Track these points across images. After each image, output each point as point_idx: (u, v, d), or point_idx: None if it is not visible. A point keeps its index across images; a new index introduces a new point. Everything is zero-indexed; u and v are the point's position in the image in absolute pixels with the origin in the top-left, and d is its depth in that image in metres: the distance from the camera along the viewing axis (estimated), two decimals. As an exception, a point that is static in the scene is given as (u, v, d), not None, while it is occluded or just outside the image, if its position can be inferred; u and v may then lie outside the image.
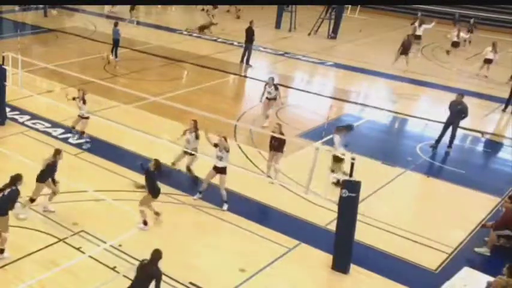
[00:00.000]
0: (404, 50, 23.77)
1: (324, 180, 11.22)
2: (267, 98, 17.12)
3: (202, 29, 29.39)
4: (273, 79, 17.23)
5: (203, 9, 35.73)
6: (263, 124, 16.88)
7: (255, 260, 10.59)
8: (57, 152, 11.62)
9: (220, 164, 12.11)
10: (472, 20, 29.57)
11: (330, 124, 16.19)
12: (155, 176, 11.25)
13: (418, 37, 26.41)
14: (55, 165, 11.59)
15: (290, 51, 26.55)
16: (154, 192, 11.25)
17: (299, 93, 20.74)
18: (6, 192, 10.09)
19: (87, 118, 14.94)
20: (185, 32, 29.46)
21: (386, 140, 17.08)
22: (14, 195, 10.15)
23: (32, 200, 11.60)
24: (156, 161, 11.34)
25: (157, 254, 8.62)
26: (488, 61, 23.11)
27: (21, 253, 10.37)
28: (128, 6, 32.91)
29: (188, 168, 13.38)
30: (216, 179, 12.31)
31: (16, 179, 10.21)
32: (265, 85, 17.19)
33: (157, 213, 11.56)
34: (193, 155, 13.08)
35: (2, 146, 14.61)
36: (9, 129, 15.93)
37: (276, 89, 17.07)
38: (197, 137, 13.07)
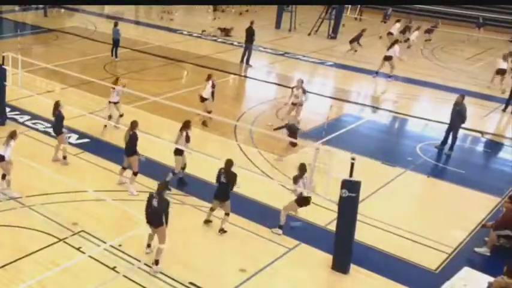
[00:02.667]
0: (353, 39, 26.19)
1: (324, 180, 11.21)
2: (292, 103, 16.73)
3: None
4: (302, 81, 16.81)
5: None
6: (268, 123, 16.67)
7: (255, 260, 10.59)
8: (135, 124, 12.75)
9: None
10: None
11: (330, 124, 16.25)
12: None
13: None
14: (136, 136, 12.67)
15: (290, 51, 26.56)
16: None
17: (299, 93, 20.72)
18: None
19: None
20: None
21: (387, 140, 17.08)
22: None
23: (135, 174, 12.77)
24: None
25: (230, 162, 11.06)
26: (501, 71, 21.69)
27: (21, 253, 10.36)
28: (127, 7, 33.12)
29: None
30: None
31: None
32: (293, 87, 16.82)
33: None
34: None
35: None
36: (9, 129, 15.70)
37: (304, 92, 16.61)
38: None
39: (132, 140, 12.65)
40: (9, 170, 12.18)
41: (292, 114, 16.41)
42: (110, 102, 15.85)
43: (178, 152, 12.82)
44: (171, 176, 13.03)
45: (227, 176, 11.10)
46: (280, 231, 11.40)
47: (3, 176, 12.28)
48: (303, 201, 11.30)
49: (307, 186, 11.12)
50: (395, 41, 23.29)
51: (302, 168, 11.18)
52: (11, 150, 12.12)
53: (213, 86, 16.72)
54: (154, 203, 9.96)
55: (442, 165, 15.43)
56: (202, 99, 16.59)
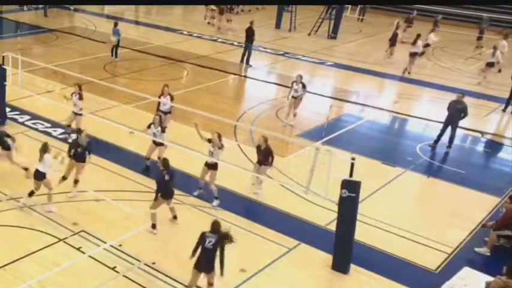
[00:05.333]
0: (393, 41, 25.29)
1: (324, 180, 11.21)
2: (293, 96, 17.04)
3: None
4: (301, 76, 17.09)
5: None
6: (289, 122, 17.09)
7: (255, 260, 10.60)
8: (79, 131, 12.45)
9: (210, 160, 12.19)
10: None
11: (330, 124, 16.25)
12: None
13: None
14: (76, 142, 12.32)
15: (290, 51, 26.56)
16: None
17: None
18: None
19: (80, 115, 14.91)
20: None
21: (386, 140, 17.07)
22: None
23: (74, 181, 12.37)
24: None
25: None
26: (490, 65, 22.76)
27: (21, 253, 10.36)
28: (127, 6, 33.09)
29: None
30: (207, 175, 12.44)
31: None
32: (293, 82, 17.07)
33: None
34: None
35: (2, 146, 14.59)
36: (9, 129, 15.85)
37: (304, 87, 16.99)
38: (163, 131, 13.26)
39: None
40: (50, 185, 11.72)
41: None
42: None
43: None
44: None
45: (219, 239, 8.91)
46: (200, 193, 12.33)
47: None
48: (211, 166, 12.12)
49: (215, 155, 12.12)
50: (418, 36, 23.66)
51: (219, 136, 12.14)
52: (50, 167, 11.50)
53: (172, 99, 15.26)
54: (166, 177, 10.89)
55: (442, 165, 15.44)
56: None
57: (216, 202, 12.32)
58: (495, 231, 11.27)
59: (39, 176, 11.46)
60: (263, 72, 23.59)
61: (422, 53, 25.52)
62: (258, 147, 12.85)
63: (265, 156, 12.70)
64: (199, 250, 8.96)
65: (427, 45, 25.83)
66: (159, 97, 15.13)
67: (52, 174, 11.73)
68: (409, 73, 23.52)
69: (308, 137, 15.83)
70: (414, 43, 23.50)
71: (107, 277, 9.89)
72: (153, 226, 11.29)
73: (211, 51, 25.92)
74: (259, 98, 19.83)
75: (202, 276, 9.10)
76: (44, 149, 11.49)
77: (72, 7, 33.95)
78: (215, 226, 8.91)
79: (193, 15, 34.91)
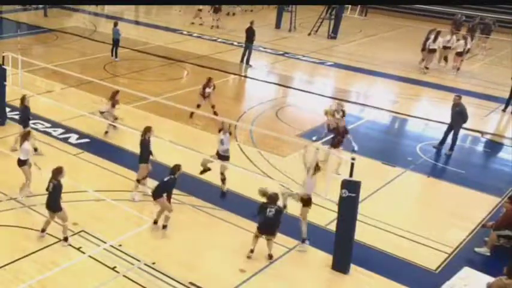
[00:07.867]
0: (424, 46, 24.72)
1: (324, 180, 11.22)
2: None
3: None
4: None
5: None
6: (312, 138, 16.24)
7: (255, 260, 10.59)
8: (147, 130, 12.26)
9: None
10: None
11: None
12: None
13: None
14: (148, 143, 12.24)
15: (290, 51, 26.56)
16: None
17: (299, 93, 20.73)
18: (165, 179, 11.14)
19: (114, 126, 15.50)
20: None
21: (386, 140, 17.08)
22: (171, 183, 11.18)
23: (138, 181, 12.35)
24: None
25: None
26: (460, 54, 23.70)
27: (21, 253, 10.37)
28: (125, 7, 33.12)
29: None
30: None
31: (176, 168, 11.12)
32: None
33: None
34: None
35: (2, 146, 14.61)
36: (9, 129, 15.92)
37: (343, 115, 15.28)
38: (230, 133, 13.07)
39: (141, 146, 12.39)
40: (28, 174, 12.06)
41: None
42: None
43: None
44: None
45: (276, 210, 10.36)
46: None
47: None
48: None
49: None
50: (438, 33, 23.79)
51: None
52: (27, 153, 11.84)
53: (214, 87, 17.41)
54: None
55: (442, 165, 15.43)
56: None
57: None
58: (495, 231, 11.27)
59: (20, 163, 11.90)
60: (263, 72, 23.59)
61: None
62: (336, 128, 13.57)
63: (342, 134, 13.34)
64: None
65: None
66: (204, 88, 17.00)
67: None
68: (427, 68, 23.98)
69: (308, 137, 15.81)
70: (435, 40, 23.54)
71: (107, 277, 9.90)
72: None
73: (211, 51, 25.92)
74: (259, 98, 19.84)
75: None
76: (25, 136, 11.96)
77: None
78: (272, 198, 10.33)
79: (193, 15, 34.86)
